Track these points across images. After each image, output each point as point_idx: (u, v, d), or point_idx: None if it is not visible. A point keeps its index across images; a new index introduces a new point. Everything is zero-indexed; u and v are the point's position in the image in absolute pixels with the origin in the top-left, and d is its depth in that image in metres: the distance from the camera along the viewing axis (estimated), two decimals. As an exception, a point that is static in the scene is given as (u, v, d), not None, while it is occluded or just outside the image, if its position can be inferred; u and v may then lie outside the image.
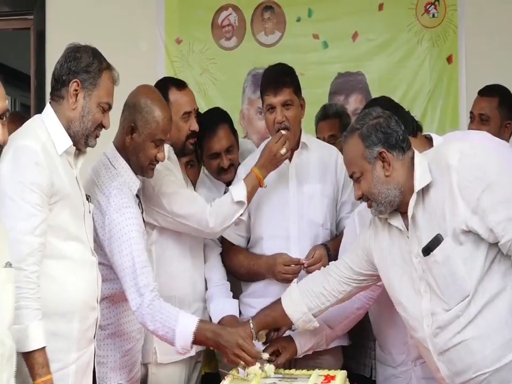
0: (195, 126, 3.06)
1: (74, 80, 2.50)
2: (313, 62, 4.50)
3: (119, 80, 2.71)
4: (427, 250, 2.26)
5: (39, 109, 4.73)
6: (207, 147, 3.24)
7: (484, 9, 4.30)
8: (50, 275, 2.37)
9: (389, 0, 4.44)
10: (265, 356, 2.62)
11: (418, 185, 2.27)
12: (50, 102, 2.58)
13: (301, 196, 3.06)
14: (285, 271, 2.96)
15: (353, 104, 4.44)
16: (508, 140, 3.40)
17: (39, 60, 4.76)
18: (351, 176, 2.40)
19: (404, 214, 2.34)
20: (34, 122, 2.51)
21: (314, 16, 4.53)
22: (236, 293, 3.19)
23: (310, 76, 4.42)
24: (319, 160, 3.12)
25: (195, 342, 2.58)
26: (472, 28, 4.30)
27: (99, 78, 2.54)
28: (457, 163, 2.20)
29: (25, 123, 2.53)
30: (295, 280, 2.79)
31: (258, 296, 3.06)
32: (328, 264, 2.88)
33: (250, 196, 2.93)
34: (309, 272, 2.93)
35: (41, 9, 4.76)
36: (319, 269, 2.90)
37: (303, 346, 2.76)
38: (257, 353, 2.56)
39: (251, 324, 2.67)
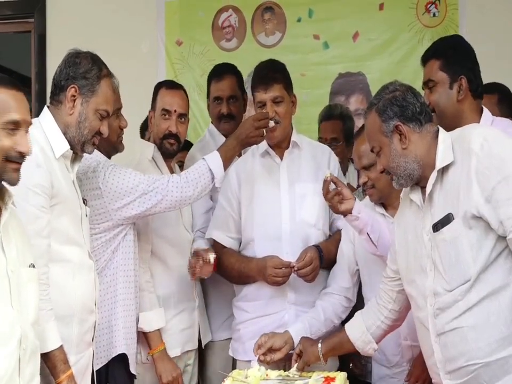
0: (173, 128, 3.10)
1: (72, 86, 2.52)
2: (314, 63, 4.50)
3: (118, 87, 2.71)
4: (437, 227, 2.27)
5: (40, 112, 4.74)
6: (211, 91, 3.44)
7: (485, 8, 4.28)
8: (51, 279, 2.39)
9: (389, 0, 4.44)
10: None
11: (439, 163, 2.28)
12: (48, 106, 2.59)
13: (292, 195, 3.05)
14: (275, 274, 2.93)
15: (354, 104, 4.44)
16: None
17: (40, 63, 4.77)
18: (371, 151, 2.45)
19: (424, 189, 2.35)
20: (31, 125, 2.52)
21: (314, 16, 4.53)
22: (230, 296, 3.19)
23: (311, 76, 4.43)
24: (311, 159, 3.12)
25: (226, 161, 2.85)
26: (473, 27, 4.28)
27: (97, 85, 2.55)
28: (478, 148, 2.19)
29: None
30: None
31: (251, 300, 3.06)
32: (319, 266, 2.89)
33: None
34: (299, 275, 2.93)
35: (42, 13, 4.77)
36: (309, 272, 2.92)
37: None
38: None
39: (319, 346, 2.69)
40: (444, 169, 2.28)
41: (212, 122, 3.59)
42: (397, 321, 2.61)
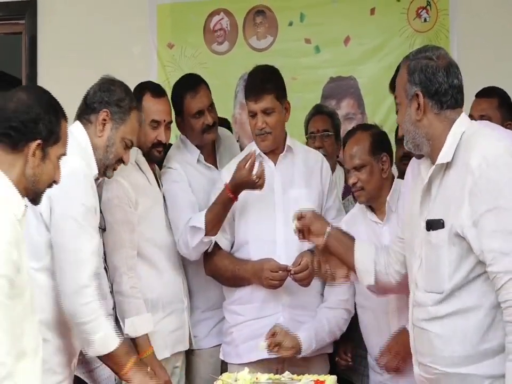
0: (162, 137, 3.09)
1: (104, 110, 2.61)
2: (305, 67, 4.50)
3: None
4: (428, 226, 2.22)
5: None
6: (190, 107, 3.26)
7: (476, 13, 4.30)
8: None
9: (380, 5, 4.45)
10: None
11: (440, 159, 2.21)
12: (79, 122, 2.66)
13: (286, 199, 3.05)
14: (272, 277, 2.93)
15: (345, 108, 4.45)
16: None
17: (30, 65, 4.75)
18: (395, 98, 2.35)
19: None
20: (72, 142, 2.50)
21: (306, 20, 4.53)
22: (217, 304, 3.18)
23: (302, 80, 4.43)
24: (304, 164, 3.12)
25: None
26: (464, 32, 4.31)
27: (128, 115, 2.66)
28: (476, 167, 2.10)
29: None
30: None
31: (244, 303, 3.05)
32: (314, 272, 2.89)
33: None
34: (295, 279, 2.93)
35: (33, 14, 4.75)
36: (305, 276, 2.92)
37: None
38: None
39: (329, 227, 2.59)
40: (448, 167, 2.20)
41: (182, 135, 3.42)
42: (402, 287, 2.48)
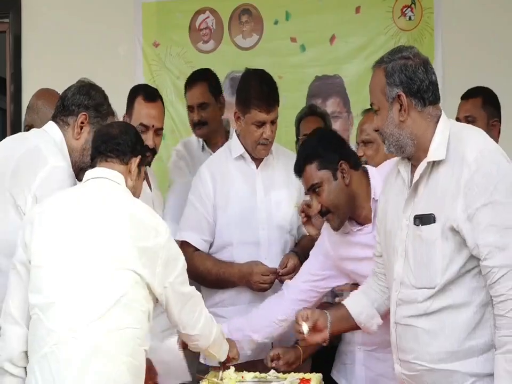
0: (150, 142, 3.03)
1: (83, 113, 2.62)
2: (291, 65, 4.50)
3: None
4: (417, 221, 2.20)
5: (16, 113, 4.73)
6: (187, 101, 3.60)
7: (460, 11, 4.32)
8: None
9: (366, 3, 4.46)
10: None
11: (430, 156, 2.19)
12: (54, 123, 2.65)
13: (268, 201, 3.07)
14: (263, 280, 2.95)
15: (331, 107, 4.45)
16: (496, 140, 3.36)
17: (15, 64, 4.74)
18: (370, 105, 2.33)
19: (414, 167, 2.27)
20: (44, 137, 2.61)
21: (291, 19, 4.54)
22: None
23: (288, 79, 4.43)
24: (284, 166, 3.12)
25: None
26: (449, 30, 4.32)
27: (105, 121, 2.67)
28: (472, 161, 2.10)
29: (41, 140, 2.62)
30: None
31: (228, 305, 3.04)
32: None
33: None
34: (282, 281, 2.93)
35: (17, 13, 4.73)
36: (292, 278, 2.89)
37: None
38: None
39: (327, 314, 2.51)
40: (435, 163, 2.20)
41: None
42: None
